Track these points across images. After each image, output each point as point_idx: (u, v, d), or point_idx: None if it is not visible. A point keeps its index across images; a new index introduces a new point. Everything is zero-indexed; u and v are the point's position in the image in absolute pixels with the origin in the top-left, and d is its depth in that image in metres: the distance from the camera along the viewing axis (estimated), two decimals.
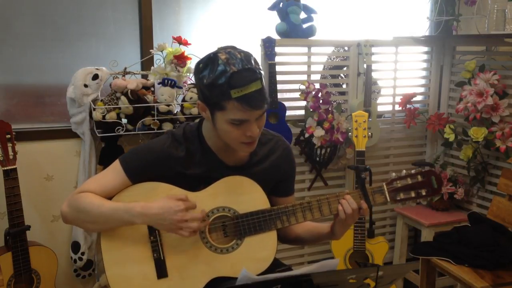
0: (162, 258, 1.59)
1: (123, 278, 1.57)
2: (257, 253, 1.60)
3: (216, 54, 1.48)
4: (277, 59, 2.79)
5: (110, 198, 1.60)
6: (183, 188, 1.61)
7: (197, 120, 1.70)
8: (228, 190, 1.62)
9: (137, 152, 1.63)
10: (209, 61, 1.49)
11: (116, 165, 1.62)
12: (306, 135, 2.84)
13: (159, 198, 1.56)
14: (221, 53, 1.48)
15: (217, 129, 1.55)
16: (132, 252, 1.57)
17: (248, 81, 1.44)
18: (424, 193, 1.64)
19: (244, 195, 1.62)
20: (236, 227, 1.61)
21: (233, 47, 1.52)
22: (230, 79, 1.43)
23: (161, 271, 1.59)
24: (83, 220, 1.60)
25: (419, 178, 1.64)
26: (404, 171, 1.65)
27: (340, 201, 1.61)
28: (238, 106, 1.45)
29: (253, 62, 1.49)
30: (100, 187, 1.60)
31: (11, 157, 2.28)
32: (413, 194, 1.64)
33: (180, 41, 2.59)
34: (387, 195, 1.63)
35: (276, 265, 1.67)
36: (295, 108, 2.95)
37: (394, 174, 1.66)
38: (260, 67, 1.51)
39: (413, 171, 1.65)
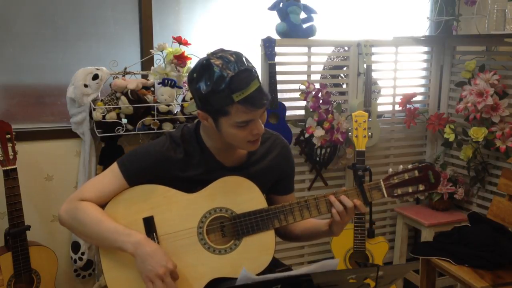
0: None
1: (122, 281, 1.57)
2: (255, 253, 1.59)
3: (209, 61, 1.46)
4: (277, 59, 2.79)
5: (108, 201, 1.60)
6: (181, 190, 1.61)
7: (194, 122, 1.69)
8: (225, 190, 1.61)
9: (135, 155, 1.62)
10: (202, 69, 1.47)
11: (114, 168, 1.61)
12: (306, 135, 2.84)
13: (158, 200, 1.57)
14: (213, 59, 1.46)
15: (222, 134, 1.54)
16: (131, 255, 1.57)
17: (247, 82, 1.43)
18: (422, 188, 1.63)
19: (241, 195, 1.61)
20: (234, 227, 1.60)
21: (223, 50, 1.51)
22: (230, 83, 1.42)
23: None
24: (79, 231, 1.60)
25: (416, 173, 1.64)
26: (401, 166, 1.65)
27: (331, 200, 1.61)
28: (242, 108, 1.45)
29: (245, 61, 1.48)
30: (98, 190, 1.60)
31: (11, 157, 2.28)
32: (410, 190, 1.63)
33: (180, 41, 2.59)
34: (384, 191, 1.63)
35: (276, 265, 1.67)
36: (295, 108, 2.95)
37: (391, 170, 1.66)
38: (252, 64, 1.50)
39: (410, 166, 1.65)
